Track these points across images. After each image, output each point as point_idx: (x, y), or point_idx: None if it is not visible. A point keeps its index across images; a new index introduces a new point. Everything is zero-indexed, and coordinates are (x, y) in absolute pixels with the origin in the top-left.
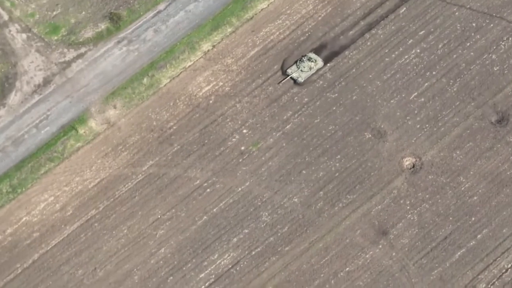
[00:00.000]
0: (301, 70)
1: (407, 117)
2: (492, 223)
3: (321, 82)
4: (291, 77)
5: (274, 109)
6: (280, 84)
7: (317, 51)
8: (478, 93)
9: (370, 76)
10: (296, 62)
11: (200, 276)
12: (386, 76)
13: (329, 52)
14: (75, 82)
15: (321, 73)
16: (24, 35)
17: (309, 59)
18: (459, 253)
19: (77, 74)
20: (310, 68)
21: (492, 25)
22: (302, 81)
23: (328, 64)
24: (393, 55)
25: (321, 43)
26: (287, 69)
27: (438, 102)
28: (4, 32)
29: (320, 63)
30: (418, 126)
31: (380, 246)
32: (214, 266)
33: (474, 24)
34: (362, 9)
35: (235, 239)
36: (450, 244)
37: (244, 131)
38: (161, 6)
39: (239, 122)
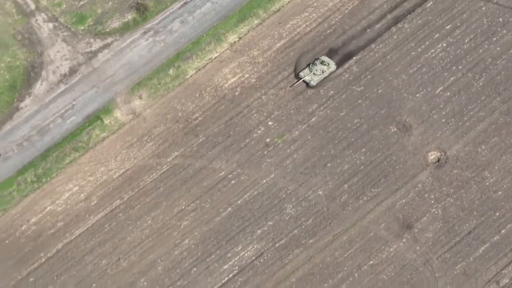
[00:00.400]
0: (314, 73)
1: (433, 111)
2: None
3: (347, 75)
4: (303, 80)
5: (299, 101)
6: (292, 87)
7: (343, 44)
8: (504, 88)
9: (396, 69)
10: (308, 65)
11: (224, 267)
12: (412, 70)
13: (355, 46)
14: (101, 72)
15: (347, 66)
16: (50, 25)
17: (322, 62)
18: (483, 248)
19: (103, 64)
20: (323, 72)
21: None
22: (315, 84)
23: (354, 57)
24: (419, 49)
25: (347, 36)
26: (299, 72)
27: (463, 96)
28: (30, 21)
29: (333, 66)
30: (443, 120)
31: (404, 240)
32: (237, 257)
33: (500, 19)
34: (388, 2)
35: (259, 231)
36: (474, 239)
37: (270, 123)
38: None
39: (265, 114)
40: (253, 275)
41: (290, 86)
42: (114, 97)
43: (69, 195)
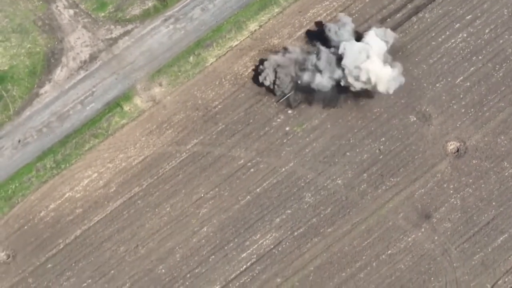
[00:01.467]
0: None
1: (452, 101)
2: None
3: None
4: (288, 97)
5: None
6: (277, 103)
7: (363, 33)
8: None
9: (416, 59)
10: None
11: (242, 255)
12: (432, 60)
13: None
14: (121, 59)
15: None
16: (71, 11)
17: None
18: (501, 238)
19: (123, 51)
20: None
21: None
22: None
23: None
24: (439, 39)
25: (368, 25)
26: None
27: (483, 86)
28: (51, 7)
29: None
30: (463, 110)
31: (423, 230)
32: (256, 246)
33: None
34: None
35: (277, 220)
36: (492, 229)
37: (289, 111)
38: None
39: (285, 102)
40: (271, 264)
41: (276, 102)
42: (134, 84)
43: (88, 181)
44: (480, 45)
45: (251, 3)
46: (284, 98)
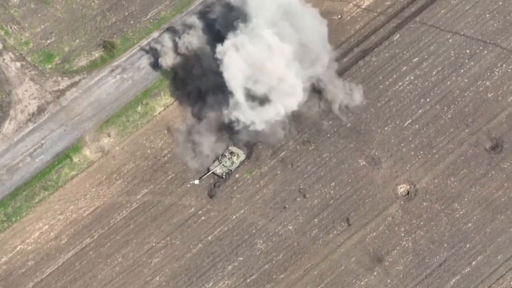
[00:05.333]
0: (223, 165)
1: (401, 144)
2: (487, 250)
3: (315, 109)
4: (213, 172)
5: None
6: (202, 179)
7: None
8: (472, 120)
9: (364, 103)
10: (218, 157)
11: None
12: (380, 103)
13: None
14: (69, 111)
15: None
16: (18, 64)
17: (231, 153)
18: (454, 280)
19: (71, 103)
20: (232, 163)
21: (486, 51)
22: (225, 176)
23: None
24: (387, 82)
25: None
26: (209, 166)
27: (432, 129)
28: None
29: (242, 156)
30: (412, 153)
31: (375, 273)
32: None
33: (468, 51)
34: (355, 36)
35: (230, 267)
36: (445, 271)
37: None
38: (155, 34)
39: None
40: None
41: (199, 179)
42: (82, 135)
43: (39, 234)
44: (427, 87)
45: None
46: (208, 174)
